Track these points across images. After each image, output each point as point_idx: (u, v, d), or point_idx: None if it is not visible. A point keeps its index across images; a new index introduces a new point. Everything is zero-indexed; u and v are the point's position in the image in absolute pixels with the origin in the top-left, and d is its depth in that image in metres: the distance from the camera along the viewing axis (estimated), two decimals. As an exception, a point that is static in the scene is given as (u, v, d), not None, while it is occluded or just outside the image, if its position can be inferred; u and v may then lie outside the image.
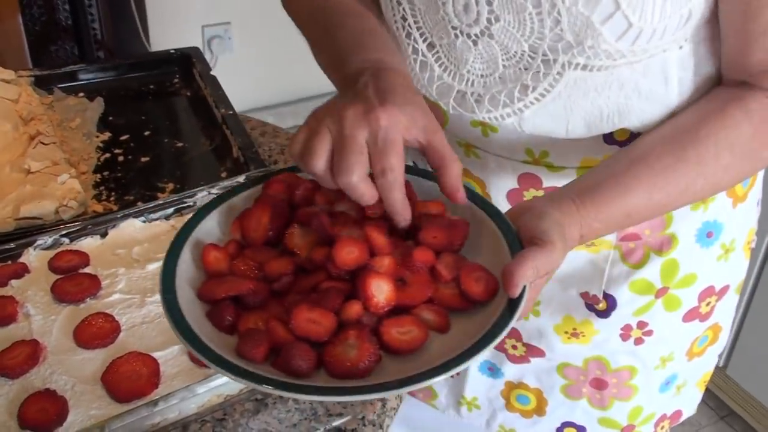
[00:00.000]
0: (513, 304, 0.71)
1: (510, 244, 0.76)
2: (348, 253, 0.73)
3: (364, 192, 0.74)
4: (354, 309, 0.71)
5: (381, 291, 0.71)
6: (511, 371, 1.15)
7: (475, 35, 0.87)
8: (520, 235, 0.77)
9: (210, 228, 0.82)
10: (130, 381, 0.88)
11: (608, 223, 0.81)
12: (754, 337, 2.26)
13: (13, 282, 1.02)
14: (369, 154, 0.74)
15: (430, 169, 0.81)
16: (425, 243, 0.77)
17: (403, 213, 0.76)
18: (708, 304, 1.08)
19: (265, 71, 3.37)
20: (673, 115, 0.88)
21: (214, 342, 0.69)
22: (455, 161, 0.77)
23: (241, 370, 0.65)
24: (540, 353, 1.11)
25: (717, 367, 1.34)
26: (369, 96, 0.76)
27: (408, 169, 0.88)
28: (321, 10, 0.96)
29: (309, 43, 0.96)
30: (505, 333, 0.68)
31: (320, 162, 0.74)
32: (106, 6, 2.56)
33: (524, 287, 0.71)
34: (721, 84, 0.88)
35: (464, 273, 0.75)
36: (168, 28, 3.00)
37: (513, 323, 0.69)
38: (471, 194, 0.84)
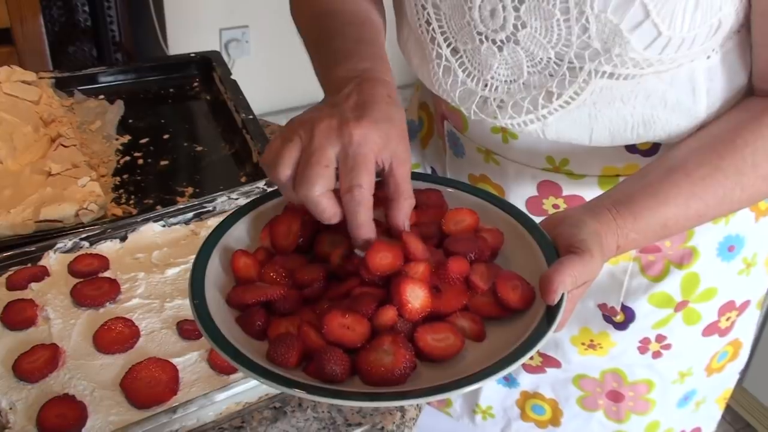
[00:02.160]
0: (551, 313, 0.70)
1: (545, 252, 0.76)
2: (382, 258, 0.72)
3: (325, 208, 0.72)
4: (388, 315, 0.70)
5: (416, 297, 0.70)
6: (527, 381, 1.15)
7: (501, 41, 0.86)
8: (556, 244, 0.76)
9: (239, 235, 0.81)
10: (149, 387, 0.88)
11: (645, 233, 0.79)
12: (772, 350, 2.25)
13: (33, 285, 1.02)
14: (338, 169, 0.72)
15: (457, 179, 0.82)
16: (455, 252, 0.76)
17: (365, 235, 0.73)
18: (728, 319, 1.07)
19: (282, 75, 3.37)
20: (701, 126, 0.87)
21: (244, 347, 0.68)
22: (409, 198, 0.76)
23: (275, 375, 0.65)
24: (556, 364, 1.11)
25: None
26: (347, 109, 0.75)
27: (439, 180, 0.88)
28: (322, 15, 0.95)
29: (306, 49, 0.95)
30: (543, 342, 0.67)
31: (285, 171, 0.73)
32: (125, 8, 2.57)
33: (562, 296, 0.70)
34: (753, 95, 0.88)
35: (500, 281, 0.74)
36: (186, 31, 3.00)
37: (552, 332, 0.69)
38: (505, 205, 0.84)
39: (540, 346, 0.67)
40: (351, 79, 0.80)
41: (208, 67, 1.57)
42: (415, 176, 0.87)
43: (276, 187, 0.80)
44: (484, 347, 0.71)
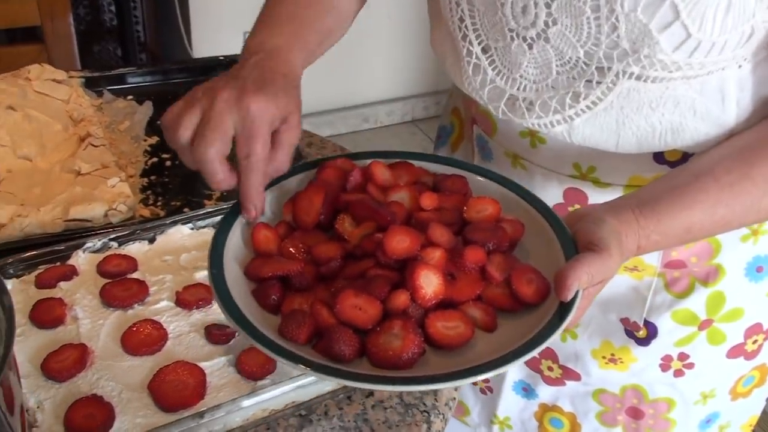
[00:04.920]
0: (564, 309, 0.70)
1: (564, 247, 0.76)
2: (399, 242, 0.73)
3: (217, 171, 0.77)
4: (401, 299, 0.70)
5: (430, 283, 0.71)
6: (546, 393, 1.14)
7: (531, 38, 0.87)
8: (576, 240, 0.76)
9: None
10: (177, 391, 0.87)
11: (667, 236, 0.79)
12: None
13: (62, 284, 1.02)
14: (235, 138, 0.77)
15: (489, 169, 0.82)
16: (473, 241, 0.76)
17: (254, 200, 0.79)
18: (755, 342, 1.06)
19: (303, 80, 3.38)
20: (729, 136, 0.87)
21: (258, 320, 0.69)
22: (283, 163, 0.81)
23: (283, 349, 0.65)
24: (576, 377, 1.10)
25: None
26: (247, 81, 0.81)
27: (464, 165, 0.89)
28: None
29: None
30: (554, 337, 0.68)
31: (185, 133, 0.78)
32: (151, 9, 2.58)
33: (576, 293, 0.70)
34: None
35: (515, 274, 0.74)
36: (210, 33, 3.01)
37: (563, 328, 0.69)
38: (529, 196, 0.84)
39: (549, 342, 0.68)
40: (259, 52, 0.88)
41: (236, 70, 1.57)
42: (444, 161, 0.89)
43: (300, 163, 0.86)
44: (494, 338, 0.72)
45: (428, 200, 0.81)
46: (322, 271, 0.75)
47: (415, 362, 0.68)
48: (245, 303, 0.71)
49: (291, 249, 0.77)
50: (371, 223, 0.77)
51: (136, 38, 2.56)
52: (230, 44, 3.11)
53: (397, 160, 0.88)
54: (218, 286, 0.71)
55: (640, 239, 0.77)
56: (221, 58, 1.61)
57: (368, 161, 0.86)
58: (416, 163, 0.88)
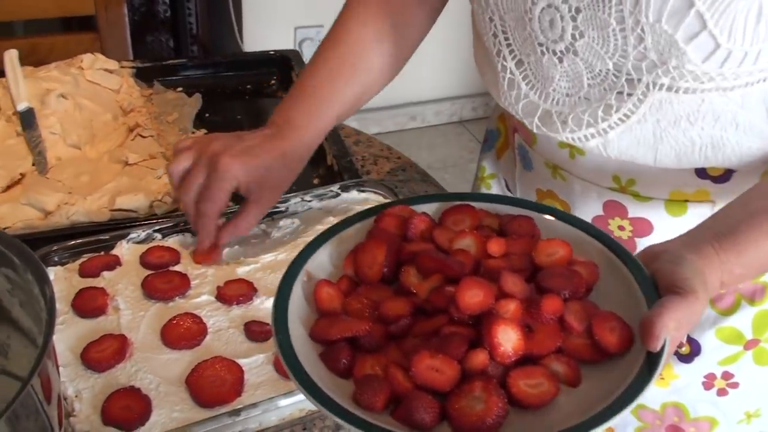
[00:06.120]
0: (653, 359, 0.65)
1: (644, 289, 0.71)
2: (472, 296, 0.69)
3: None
4: (479, 358, 0.66)
5: (508, 339, 0.67)
6: (600, 429, 1.12)
7: (561, 52, 0.86)
8: (655, 281, 0.72)
9: (321, 261, 0.79)
10: (214, 386, 0.87)
11: (751, 268, 0.75)
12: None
13: (105, 273, 1.02)
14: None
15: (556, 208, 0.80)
16: (548, 289, 0.72)
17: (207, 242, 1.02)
18: (803, 362, 1.03)
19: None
20: None
21: (327, 384, 0.66)
22: (242, 229, 1.03)
23: (363, 421, 0.63)
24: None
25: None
26: (243, 143, 0.99)
27: (533, 206, 0.84)
28: (326, 39, 1.09)
29: None
30: (644, 393, 0.63)
31: (190, 195, 0.99)
32: (204, 1, 2.60)
33: (665, 340, 0.66)
34: None
35: (597, 322, 0.69)
36: (261, 28, 3.02)
37: (653, 381, 0.64)
38: (600, 234, 0.79)
39: (641, 397, 0.63)
40: (271, 126, 1.03)
41: (286, 65, 1.58)
42: (503, 200, 0.85)
43: (357, 212, 0.84)
44: (579, 394, 0.67)
45: (496, 246, 0.76)
46: (392, 330, 0.72)
47: (500, 426, 0.64)
48: (314, 369, 0.68)
49: (357, 306, 0.74)
50: (439, 276, 0.74)
51: (189, 30, 2.57)
52: (280, 39, 3.13)
53: (458, 203, 0.84)
54: (286, 355, 0.68)
55: (723, 275, 0.72)
56: (272, 53, 1.61)
57: (426, 205, 0.83)
58: (477, 204, 0.84)
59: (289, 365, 0.67)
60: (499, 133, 1.21)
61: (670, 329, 0.66)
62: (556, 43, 0.86)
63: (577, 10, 0.82)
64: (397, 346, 0.71)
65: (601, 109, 0.86)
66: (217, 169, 0.95)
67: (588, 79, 0.86)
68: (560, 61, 0.87)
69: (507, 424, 0.64)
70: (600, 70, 0.84)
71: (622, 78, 0.83)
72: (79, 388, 0.87)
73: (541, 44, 0.87)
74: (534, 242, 0.77)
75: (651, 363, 0.65)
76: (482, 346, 0.67)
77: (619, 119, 0.86)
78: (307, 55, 1.61)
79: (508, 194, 1.17)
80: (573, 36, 0.84)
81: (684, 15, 0.75)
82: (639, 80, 0.82)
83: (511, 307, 0.69)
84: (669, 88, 0.81)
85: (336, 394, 0.65)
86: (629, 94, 0.84)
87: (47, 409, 0.63)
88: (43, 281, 0.67)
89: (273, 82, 1.58)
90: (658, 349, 0.66)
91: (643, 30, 0.78)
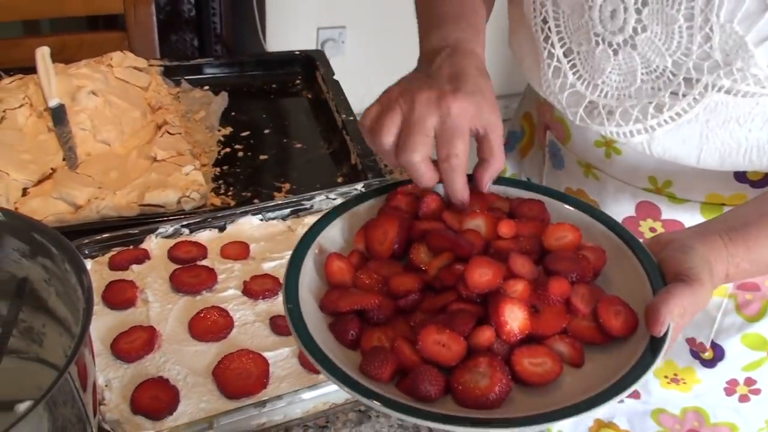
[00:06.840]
0: (656, 344, 0.67)
1: (651, 277, 0.73)
2: (481, 275, 0.71)
3: (425, 172, 0.77)
4: (485, 335, 0.68)
5: (515, 318, 0.69)
6: (602, 408, 1.13)
7: (618, 44, 0.85)
8: (662, 269, 0.73)
9: (333, 236, 0.81)
10: (241, 379, 0.89)
11: (758, 264, 0.76)
12: None
13: (134, 267, 1.04)
14: (436, 138, 0.77)
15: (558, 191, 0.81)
16: (556, 271, 0.74)
17: (461, 196, 0.79)
18: (827, 371, 1.03)
19: (374, 77, 3.37)
20: None
21: (335, 354, 0.68)
22: (500, 160, 0.80)
23: (369, 391, 0.64)
24: (635, 395, 1.08)
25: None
26: (442, 80, 0.80)
27: (544, 191, 0.86)
28: None
29: (415, 7, 0.98)
30: (647, 375, 0.65)
31: (388, 138, 0.78)
32: (228, 1, 2.62)
33: (668, 326, 0.68)
34: None
35: (602, 305, 0.71)
36: (284, 28, 3.04)
37: (656, 365, 0.66)
38: (609, 221, 0.81)
39: (644, 379, 0.65)
40: (443, 49, 0.85)
41: (311, 65, 1.59)
42: (516, 184, 0.86)
43: (371, 189, 0.85)
44: (582, 374, 0.69)
45: (506, 228, 0.78)
46: (401, 305, 0.73)
47: (503, 402, 0.65)
48: (323, 338, 0.69)
49: (367, 281, 0.75)
50: (449, 254, 0.75)
51: (213, 30, 2.60)
52: (303, 40, 3.15)
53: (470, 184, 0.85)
54: (295, 322, 0.69)
55: (729, 267, 0.74)
56: (297, 53, 1.63)
57: (439, 186, 0.84)
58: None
59: (297, 333, 0.68)
60: (523, 133, 1.21)
61: (674, 315, 0.68)
62: (615, 35, 0.85)
63: (644, 3, 0.81)
64: (405, 320, 0.72)
65: (653, 106, 0.85)
66: (450, 114, 0.78)
67: (643, 74, 0.85)
68: (615, 53, 0.86)
69: (510, 400, 0.66)
70: (657, 67, 0.83)
71: (679, 77, 0.82)
72: (109, 378, 0.89)
73: (597, 34, 0.86)
74: (543, 226, 0.79)
75: (655, 346, 0.67)
76: (489, 323, 0.69)
77: (670, 117, 0.85)
78: (328, 55, 1.62)
79: None
80: (635, 29, 0.83)
81: (758, 18, 0.75)
82: (698, 81, 0.81)
83: (519, 287, 0.71)
84: (728, 91, 0.81)
85: (342, 363, 0.66)
86: (684, 94, 0.83)
87: (83, 397, 0.65)
88: (81, 271, 0.69)
89: (298, 81, 1.59)
90: (662, 334, 0.67)
91: (711, 29, 0.77)
